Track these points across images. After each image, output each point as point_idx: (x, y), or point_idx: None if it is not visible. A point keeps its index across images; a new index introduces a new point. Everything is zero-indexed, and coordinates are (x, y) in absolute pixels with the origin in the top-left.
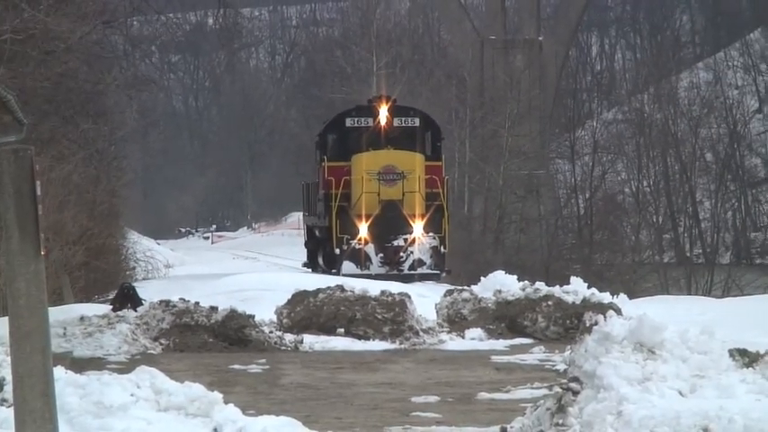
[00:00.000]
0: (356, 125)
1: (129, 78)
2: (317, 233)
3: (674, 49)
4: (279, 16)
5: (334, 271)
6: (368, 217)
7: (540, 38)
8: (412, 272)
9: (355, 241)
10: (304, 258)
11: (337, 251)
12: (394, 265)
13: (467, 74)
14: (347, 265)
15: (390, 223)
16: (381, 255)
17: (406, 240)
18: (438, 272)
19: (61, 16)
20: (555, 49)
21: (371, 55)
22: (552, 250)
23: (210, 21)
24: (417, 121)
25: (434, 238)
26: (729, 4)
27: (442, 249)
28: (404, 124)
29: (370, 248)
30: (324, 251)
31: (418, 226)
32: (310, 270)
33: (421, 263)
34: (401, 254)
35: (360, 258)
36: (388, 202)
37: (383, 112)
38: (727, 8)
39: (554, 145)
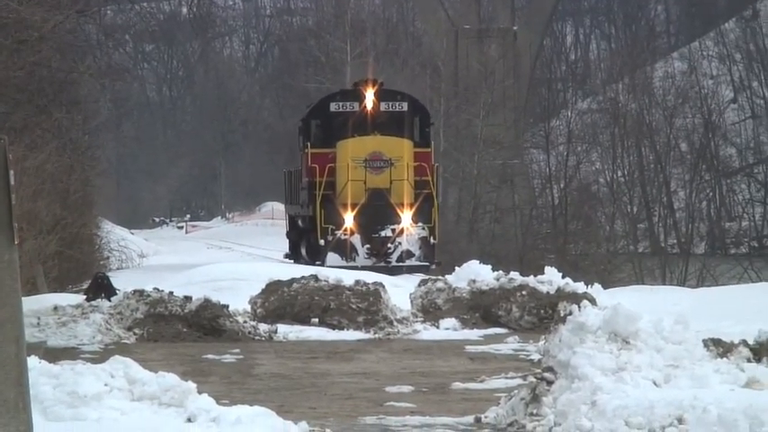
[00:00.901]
0: (341, 110)
1: (103, 68)
2: (299, 223)
3: (648, 38)
4: (253, 5)
5: (318, 263)
6: (354, 206)
7: (515, 27)
8: (400, 264)
9: (341, 232)
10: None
11: (322, 242)
12: (381, 257)
13: (441, 63)
14: (332, 257)
15: (377, 213)
16: (368, 246)
17: (393, 231)
18: (427, 264)
19: (35, 5)
20: (529, 39)
21: (345, 44)
22: (527, 240)
23: (184, 10)
24: (405, 106)
25: (424, 229)
26: None
27: (432, 240)
28: (391, 109)
29: (357, 239)
30: (307, 242)
31: (407, 216)
32: (292, 261)
33: (410, 254)
34: (389, 245)
35: (345, 250)
36: (375, 190)
37: (369, 96)
38: None
39: (528, 135)
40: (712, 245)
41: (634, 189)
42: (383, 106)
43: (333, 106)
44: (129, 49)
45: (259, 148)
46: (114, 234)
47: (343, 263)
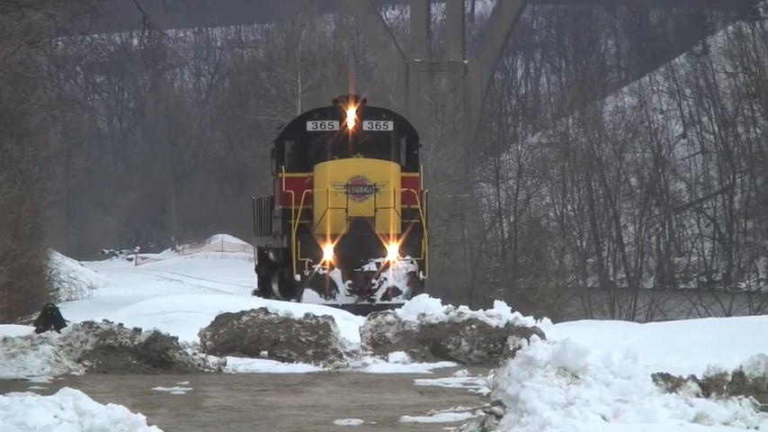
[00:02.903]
0: (319, 129)
1: (54, 99)
2: (271, 256)
3: (599, 73)
4: (204, 37)
5: (293, 300)
6: (334, 237)
7: (465, 61)
8: (385, 302)
9: (319, 266)
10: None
11: (297, 277)
12: (364, 294)
13: (392, 97)
14: (309, 294)
15: (360, 245)
16: (350, 282)
17: (378, 265)
18: None
19: None
20: (480, 73)
21: (296, 77)
22: (476, 274)
23: (135, 42)
24: (391, 125)
25: (412, 263)
26: (654, 29)
27: (422, 276)
28: (375, 128)
29: (337, 274)
30: (280, 277)
31: (393, 248)
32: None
33: (396, 291)
34: (373, 281)
35: (324, 286)
36: (358, 219)
37: (351, 114)
38: (652, 33)
39: (478, 168)
40: (661, 280)
41: (584, 223)
42: (366, 125)
43: (310, 125)
44: (80, 80)
45: (209, 180)
46: (64, 266)
47: (322, 300)
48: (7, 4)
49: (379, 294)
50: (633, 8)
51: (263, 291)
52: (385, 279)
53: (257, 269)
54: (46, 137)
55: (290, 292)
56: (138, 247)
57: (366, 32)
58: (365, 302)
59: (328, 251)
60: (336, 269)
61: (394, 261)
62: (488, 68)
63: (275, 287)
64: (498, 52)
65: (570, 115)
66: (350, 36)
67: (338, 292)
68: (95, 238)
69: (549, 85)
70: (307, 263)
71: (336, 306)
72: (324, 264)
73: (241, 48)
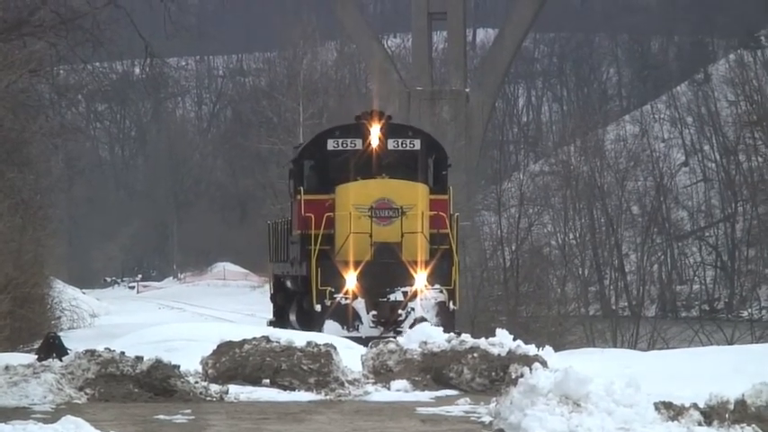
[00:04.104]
0: (341, 148)
1: (56, 127)
2: (288, 284)
3: (600, 101)
4: (206, 66)
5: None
6: (357, 264)
7: (467, 89)
8: None
9: (341, 295)
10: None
11: (318, 308)
12: (390, 326)
13: None
14: (330, 326)
15: (386, 272)
16: (374, 312)
17: (405, 294)
18: None
19: None
20: (481, 101)
21: (298, 105)
22: (478, 302)
23: (137, 70)
24: (418, 144)
25: (441, 292)
26: (656, 58)
27: (451, 306)
28: (401, 147)
29: (360, 304)
30: (299, 307)
31: (421, 276)
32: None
33: (424, 322)
34: (399, 311)
35: (347, 317)
36: (383, 245)
37: (375, 132)
38: (654, 62)
39: (480, 197)
40: (663, 308)
41: (585, 252)
42: (391, 144)
43: (331, 144)
44: (82, 108)
45: (211, 208)
46: (66, 294)
47: (345, 332)
48: (9, 32)
49: (406, 325)
50: (634, 36)
51: (279, 321)
52: (412, 309)
53: (273, 298)
54: (48, 165)
55: (309, 322)
56: (140, 275)
57: (368, 60)
58: (391, 334)
59: (351, 279)
60: (360, 299)
61: (422, 290)
62: (490, 96)
63: (293, 317)
64: (500, 80)
65: (572, 143)
66: (351, 64)
67: (362, 323)
68: (97, 265)
69: (550, 114)
70: (328, 292)
71: (360, 339)
72: (346, 293)
73: (243, 76)
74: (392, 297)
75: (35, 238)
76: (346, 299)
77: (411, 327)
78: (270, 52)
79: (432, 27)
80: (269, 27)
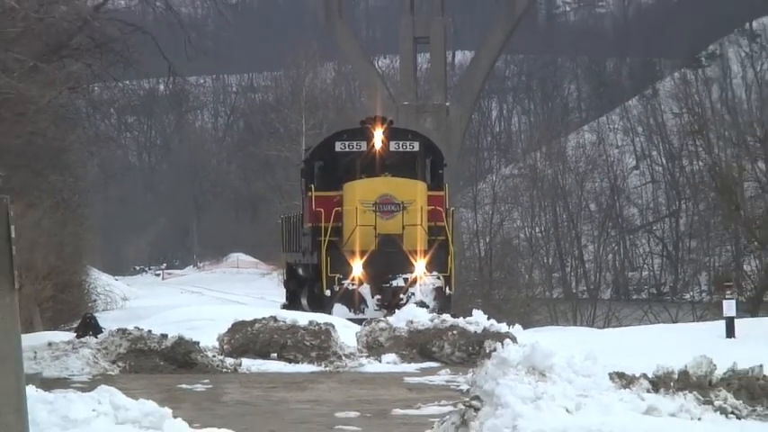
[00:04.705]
0: (347, 150)
1: (91, 137)
2: (300, 272)
3: (562, 113)
4: (221, 84)
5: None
6: (363, 253)
7: (447, 103)
8: None
9: (348, 281)
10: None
11: (328, 292)
12: (393, 309)
13: None
14: (339, 309)
15: (389, 261)
16: (378, 297)
17: (406, 280)
18: None
19: (32, 83)
20: (460, 114)
21: (301, 117)
22: (456, 287)
23: (162, 87)
24: (417, 146)
25: (439, 278)
26: (610, 76)
27: (447, 291)
28: (402, 149)
29: (366, 289)
30: (310, 292)
31: (420, 264)
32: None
33: (423, 306)
34: (401, 296)
35: (353, 301)
36: (386, 236)
37: (378, 135)
38: (609, 79)
39: (459, 196)
40: (617, 291)
41: (549, 243)
42: (393, 146)
43: (338, 146)
44: (114, 120)
45: (226, 207)
46: (101, 280)
47: (351, 314)
48: (51, 55)
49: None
50: (592, 57)
51: (292, 304)
52: (413, 294)
53: (286, 284)
54: (84, 170)
55: (320, 306)
56: (165, 264)
57: (361, 79)
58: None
59: (357, 267)
60: (365, 284)
61: (421, 277)
62: (467, 110)
63: (304, 301)
64: (476, 96)
65: (538, 150)
66: (347, 82)
67: (367, 306)
68: (128, 256)
69: (519, 124)
70: (336, 278)
71: (365, 320)
72: (353, 279)
73: (253, 92)
74: (394, 283)
75: (74, 233)
76: (353, 285)
77: None
78: (277, 71)
79: (417, 50)
80: (276, 50)
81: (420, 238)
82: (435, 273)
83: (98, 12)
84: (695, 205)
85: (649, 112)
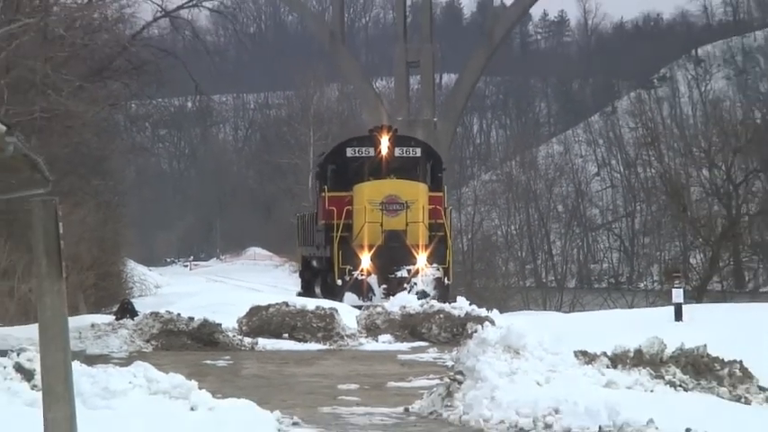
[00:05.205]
0: (357, 155)
1: (128, 147)
2: (314, 263)
3: (534, 127)
4: (240, 101)
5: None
6: (371, 247)
7: (435, 119)
8: None
9: (358, 272)
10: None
11: (339, 282)
12: None
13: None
14: (349, 296)
15: (394, 254)
16: (384, 286)
17: (409, 271)
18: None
19: (78, 100)
20: (446, 128)
21: (309, 130)
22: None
23: (189, 104)
24: (419, 152)
25: (438, 270)
26: (576, 95)
27: (446, 281)
28: (405, 154)
29: (373, 279)
30: (323, 281)
31: (422, 257)
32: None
33: (424, 294)
34: (405, 285)
35: (362, 289)
36: (392, 232)
37: (384, 142)
38: (575, 98)
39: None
40: (581, 281)
41: (523, 239)
42: (398, 152)
43: (349, 151)
44: (148, 132)
45: (245, 207)
46: (136, 270)
47: (360, 302)
48: (94, 76)
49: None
50: (560, 78)
51: (306, 292)
52: (415, 284)
53: (301, 274)
54: (123, 175)
55: (332, 294)
56: (192, 257)
57: (361, 97)
58: None
59: (366, 260)
60: (373, 275)
61: (423, 268)
62: (452, 124)
63: (318, 290)
64: (459, 112)
65: (513, 159)
66: (349, 100)
67: (374, 294)
68: (160, 249)
69: (497, 137)
70: (347, 269)
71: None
72: (362, 270)
73: (268, 109)
74: (399, 274)
75: (114, 229)
76: (362, 275)
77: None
78: (288, 91)
79: (409, 72)
80: (288, 72)
81: (422, 234)
82: (435, 264)
83: (135, 39)
84: (648, 207)
85: (609, 126)
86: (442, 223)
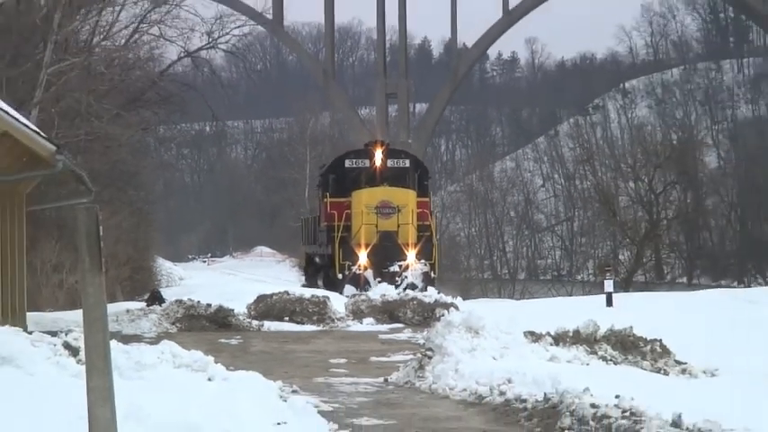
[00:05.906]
0: (354, 166)
1: (157, 164)
2: (317, 260)
3: (491, 147)
4: (249, 126)
5: (337, 293)
6: (367, 246)
7: (410, 140)
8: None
9: (356, 267)
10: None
11: (340, 276)
12: None
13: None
14: (348, 288)
15: (387, 251)
16: (379, 279)
17: (400, 266)
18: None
19: (115, 126)
20: (419, 147)
21: (306, 150)
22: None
23: (207, 128)
24: (408, 163)
25: (426, 265)
26: (525, 121)
27: (432, 274)
28: (396, 165)
29: (369, 273)
30: (325, 275)
31: (411, 254)
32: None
33: (413, 286)
34: (396, 278)
35: (359, 282)
36: (385, 232)
37: (378, 155)
38: (524, 123)
39: None
40: (529, 274)
41: (482, 239)
42: (390, 163)
43: (347, 163)
44: (173, 152)
45: (253, 215)
46: (164, 265)
47: (357, 293)
48: (129, 105)
49: (401, 289)
50: (512, 107)
51: (309, 284)
52: (406, 277)
53: (305, 269)
54: (153, 187)
55: (333, 286)
56: (210, 254)
57: (348, 122)
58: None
59: (363, 256)
60: (369, 269)
61: (412, 263)
62: (423, 145)
63: (320, 282)
64: (429, 135)
65: (473, 173)
66: (339, 125)
67: (370, 286)
68: (183, 248)
69: (461, 155)
70: (347, 265)
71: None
72: (359, 266)
73: (272, 132)
74: (392, 268)
75: (145, 232)
76: (359, 270)
77: (404, 289)
78: (289, 118)
79: (388, 102)
80: (288, 102)
81: (411, 234)
82: (423, 260)
83: (163, 75)
84: (585, 212)
85: (552, 146)
86: (429, 225)
